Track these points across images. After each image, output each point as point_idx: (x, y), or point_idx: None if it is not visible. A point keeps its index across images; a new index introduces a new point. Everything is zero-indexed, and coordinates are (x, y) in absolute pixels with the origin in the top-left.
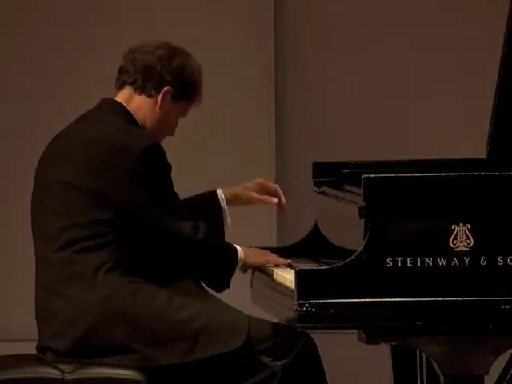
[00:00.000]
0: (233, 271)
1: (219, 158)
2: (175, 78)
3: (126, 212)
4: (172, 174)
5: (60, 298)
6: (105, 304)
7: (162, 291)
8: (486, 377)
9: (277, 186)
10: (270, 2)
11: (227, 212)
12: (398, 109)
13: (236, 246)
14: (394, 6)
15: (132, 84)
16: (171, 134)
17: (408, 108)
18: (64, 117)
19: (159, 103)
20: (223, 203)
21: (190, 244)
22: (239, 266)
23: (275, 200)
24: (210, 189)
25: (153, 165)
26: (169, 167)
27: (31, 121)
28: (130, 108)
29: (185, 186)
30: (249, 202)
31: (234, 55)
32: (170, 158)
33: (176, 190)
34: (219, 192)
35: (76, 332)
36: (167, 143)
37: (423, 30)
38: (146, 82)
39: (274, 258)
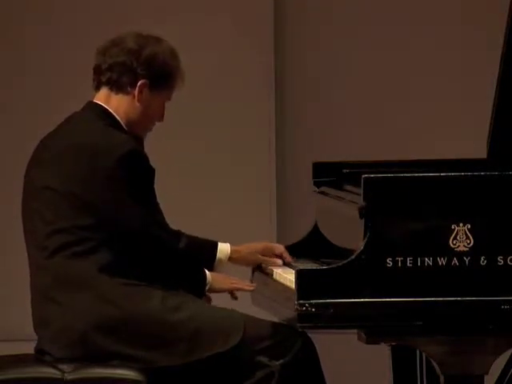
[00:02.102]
0: (202, 293)
1: (219, 157)
2: (148, 69)
3: (105, 217)
4: (168, 175)
5: (54, 305)
6: (98, 310)
7: (156, 292)
8: (486, 377)
9: (283, 248)
10: (270, 2)
11: (223, 265)
12: (398, 109)
13: (206, 270)
14: (394, 6)
15: (107, 84)
16: (160, 120)
17: (408, 108)
18: (64, 117)
19: (137, 97)
20: (225, 258)
21: (168, 251)
22: (206, 289)
23: (280, 262)
24: (209, 188)
25: (131, 170)
26: (149, 173)
27: (32, 120)
28: (111, 108)
29: (184, 186)
30: (254, 264)
31: (233, 55)
32: (170, 158)
33: (176, 189)
34: (226, 247)
35: (71, 339)
36: (167, 143)
37: (423, 29)
38: (120, 80)
39: (239, 284)
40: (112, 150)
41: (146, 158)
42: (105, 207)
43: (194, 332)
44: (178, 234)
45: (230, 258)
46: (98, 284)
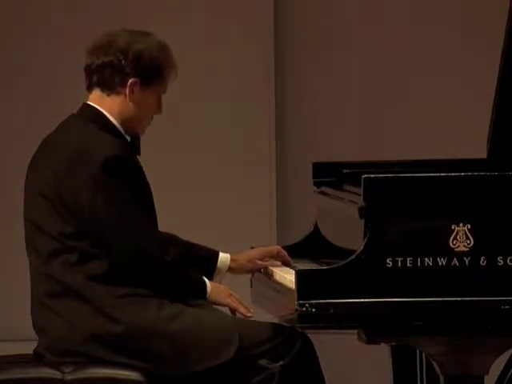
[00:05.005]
0: (202, 299)
1: (219, 157)
2: (136, 68)
3: (87, 225)
4: (168, 175)
5: (50, 313)
6: (94, 323)
7: (151, 302)
8: (485, 377)
9: (279, 248)
10: (270, 3)
11: (222, 275)
12: (398, 109)
13: (205, 279)
14: (394, 6)
15: (98, 84)
16: (157, 113)
17: (408, 108)
18: (64, 117)
19: (129, 97)
20: (224, 268)
21: (155, 263)
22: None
23: (279, 263)
24: (209, 188)
25: (114, 177)
26: (134, 176)
27: (35, 121)
28: (104, 110)
29: (184, 185)
30: (254, 271)
31: (234, 55)
32: (170, 158)
33: (175, 189)
34: (226, 257)
35: (66, 349)
36: (167, 143)
37: (423, 29)
38: (109, 80)
39: (236, 303)
40: (96, 155)
41: (130, 162)
42: (87, 214)
43: (187, 345)
44: (167, 241)
45: (229, 268)
46: (92, 295)
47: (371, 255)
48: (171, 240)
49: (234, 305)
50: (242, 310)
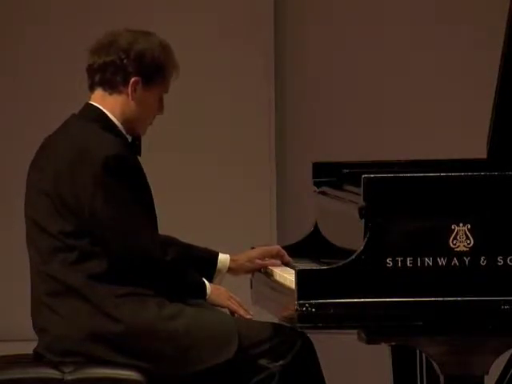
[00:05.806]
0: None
1: (219, 157)
2: (138, 67)
3: (86, 224)
4: (168, 176)
5: (50, 312)
6: (94, 322)
7: (151, 301)
8: (485, 377)
9: (278, 247)
10: (270, 3)
11: (222, 276)
12: (398, 109)
13: (205, 280)
14: (394, 6)
15: (100, 84)
16: (159, 113)
17: (408, 108)
18: (65, 117)
19: (131, 96)
20: (224, 269)
21: (155, 263)
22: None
23: (279, 263)
24: (209, 188)
25: (114, 177)
26: (134, 176)
27: (35, 121)
28: (106, 109)
29: (184, 185)
30: (254, 271)
31: (234, 55)
32: (170, 158)
33: (175, 189)
34: (226, 258)
35: (66, 349)
36: (166, 143)
37: (423, 29)
38: (112, 80)
39: (236, 305)
40: (96, 155)
41: (130, 162)
42: (88, 214)
43: (187, 345)
44: (167, 243)
45: (229, 269)
46: (92, 294)
47: (371, 255)
48: (170, 241)
49: (234, 307)
50: (241, 312)
